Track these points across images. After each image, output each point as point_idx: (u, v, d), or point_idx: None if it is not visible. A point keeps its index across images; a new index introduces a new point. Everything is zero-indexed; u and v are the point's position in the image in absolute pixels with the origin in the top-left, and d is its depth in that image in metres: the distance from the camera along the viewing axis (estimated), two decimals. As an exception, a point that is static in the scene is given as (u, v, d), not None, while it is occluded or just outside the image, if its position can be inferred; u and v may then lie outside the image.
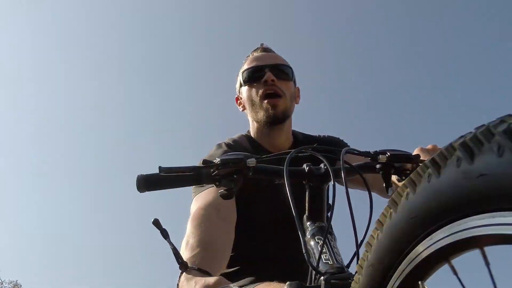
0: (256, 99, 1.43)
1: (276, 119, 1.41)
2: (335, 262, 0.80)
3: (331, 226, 0.94)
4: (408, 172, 0.97)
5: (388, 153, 0.96)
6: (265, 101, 1.40)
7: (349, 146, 1.51)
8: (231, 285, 0.86)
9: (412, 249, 0.53)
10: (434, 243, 0.49)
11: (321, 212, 0.93)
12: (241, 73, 1.51)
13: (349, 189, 0.81)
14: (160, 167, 0.88)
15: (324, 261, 0.80)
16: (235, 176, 0.91)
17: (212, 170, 0.91)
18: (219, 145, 1.44)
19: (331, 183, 0.92)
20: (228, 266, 1.38)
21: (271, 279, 1.19)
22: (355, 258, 0.81)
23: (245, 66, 1.50)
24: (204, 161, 0.91)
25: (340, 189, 0.87)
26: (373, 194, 0.91)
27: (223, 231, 1.12)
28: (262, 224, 1.39)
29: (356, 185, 1.28)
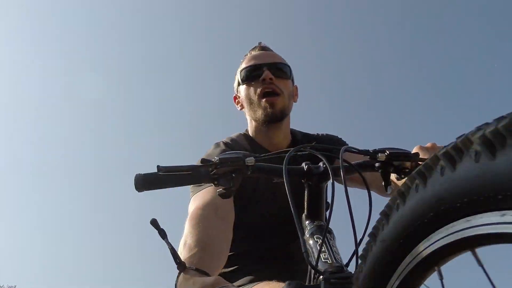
0: (254, 97, 1.42)
1: (274, 118, 1.40)
2: (334, 261, 0.80)
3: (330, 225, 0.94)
4: (407, 170, 0.97)
5: (387, 152, 0.95)
6: (263, 100, 1.40)
7: (347, 144, 1.51)
8: (230, 285, 0.85)
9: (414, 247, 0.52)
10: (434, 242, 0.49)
11: (320, 211, 0.93)
12: (239, 72, 1.51)
13: (348, 188, 0.81)
14: (158, 166, 0.87)
15: (323, 260, 0.80)
16: (233, 175, 0.90)
17: (210, 169, 0.90)
18: (217, 144, 1.44)
19: (330, 181, 0.92)
20: (227, 266, 1.37)
21: (269, 278, 1.18)
22: (355, 257, 0.81)
23: (243, 65, 1.50)
24: (203, 160, 0.91)
25: (339, 187, 0.87)
26: (372, 192, 0.91)
27: (221, 230, 1.11)
28: (261, 223, 1.39)
29: (355, 183, 1.28)
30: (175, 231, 1.06)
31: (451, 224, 0.45)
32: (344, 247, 0.86)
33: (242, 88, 1.48)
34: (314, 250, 0.84)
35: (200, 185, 1.22)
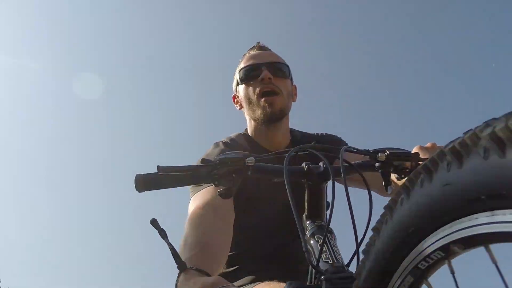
0: (253, 97, 1.42)
1: (273, 117, 1.40)
2: (335, 261, 0.80)
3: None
4: (407, 170, 0.97)
5: (387, 152, 0.95)
6: (262, 99, 1.40)
7: (347, 144, 1.51)
8: (230, 284, 0.85)
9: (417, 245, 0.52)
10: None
11: (320, 211, 0.93)
12: (237, 72, 1.51)
13: (348, 188, 0.81)
14: (158, 167, 0.87)
15: (324, 260, 0.80)
16: (234, 175, 0.90)
17: (211, 169, 0.90)
18: (217, 144, 1.44)
19: (331, 181, 0.91)
20: (227, 266, 1.37)
21: (270, 278, 1.18)
22: (355, 257, 0.81)
23: (242, 65, 1.50)
24: (203, 160, 0.91)
25: (339, 187, 0.87)
26: (372, 192, 0.91)
27: (221, 230, 1.11)
28: (261, 223, 1.39)
29: (355, 183, 1.28)
30: (175, 231, 1.06)
31: (457, 221, 0.45)
32: (345, 247, 0.86)
33: (241, 87, 1.48)
34: (315, 250, 0.84)
35: (199, 185, 1.22)
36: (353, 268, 0.80)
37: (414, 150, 1.09)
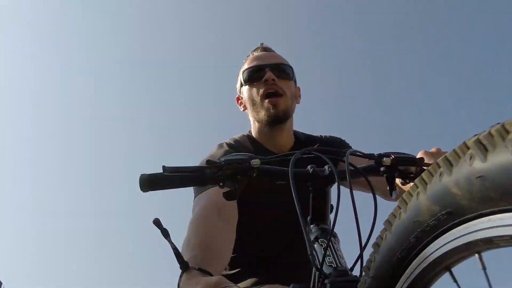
0: (257, 98, 1.42)
1: (277, 119, 1.40)
2: (339, 265, 0.80)
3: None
4: (412, 175, 0.96)
5: (393, 156, 0.95)
6: (266, 101, 1.40)
7: (351, 147, 1.51)
8: (232, 284, 0.85)
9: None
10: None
11: (325, 214, 0.92)
12: (241, 73, 1.51)
13: (353, 191, 0.81)
14: (164, 167, 0.87)
15: (328, 264, 0.80)
16: (239, 176, 0.90)
17: (216, 170, 0.90)
18: (221, 145, 1.43)
19: (335, 185, 0.91)
20: (231, 267, 1.37)
21: (273, 281, 1.18)
22: (359, 261, 0.81)
23: (246, 66, 1.50)
24: (208, 161, 0.90)
25: (344, 191, 0.87)
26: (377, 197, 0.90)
27: (224, 231, 1.11)
28: (265, 226, 1.39)
29: (360, 187, 1.28)
30: (178, 231, 1.05)
31: (471, 223, 0.44)
32: (348, 251, 0.86)
33: (245, 89, 1.48)
34: (318, 253, 0.83)
35: (203, 186, 1.21)
36: (356, 272, 0.80)
37: (419, 155, 1.09)
